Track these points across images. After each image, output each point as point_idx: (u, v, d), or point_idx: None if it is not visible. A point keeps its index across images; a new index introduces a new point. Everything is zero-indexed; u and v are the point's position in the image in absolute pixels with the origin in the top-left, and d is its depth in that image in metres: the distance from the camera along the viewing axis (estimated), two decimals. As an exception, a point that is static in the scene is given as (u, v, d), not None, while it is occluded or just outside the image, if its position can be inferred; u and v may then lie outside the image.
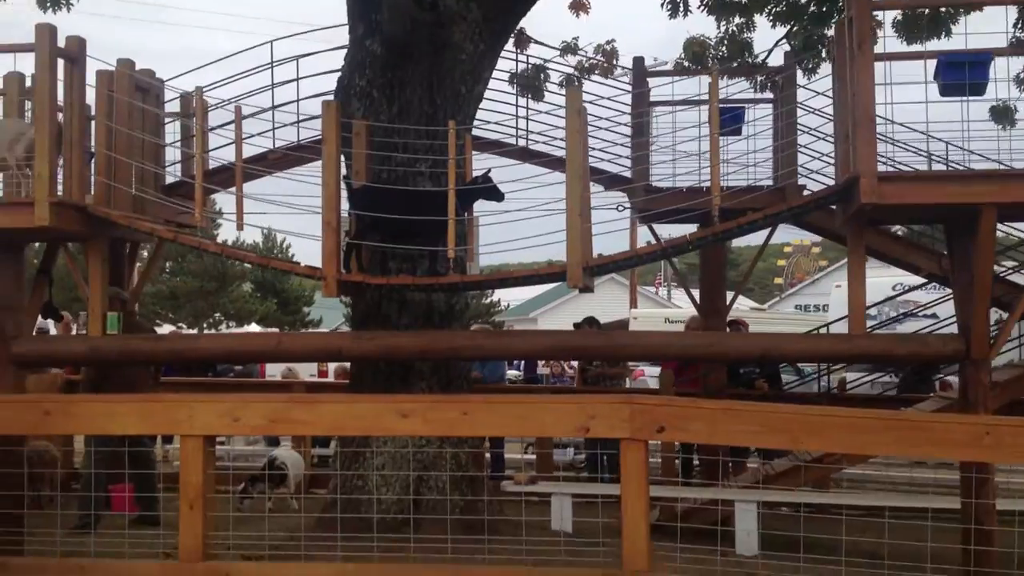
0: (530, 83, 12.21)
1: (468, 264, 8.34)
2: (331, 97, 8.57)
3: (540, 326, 46.86)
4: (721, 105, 10.72)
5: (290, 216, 8.65)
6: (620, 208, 10.68)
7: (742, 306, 45.13)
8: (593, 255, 7.45)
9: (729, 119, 9.54)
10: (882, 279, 20.78)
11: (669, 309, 38.87)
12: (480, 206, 8.20)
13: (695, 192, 9.03)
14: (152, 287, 49.08)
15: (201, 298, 47.34)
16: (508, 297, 48.21)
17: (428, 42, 8.05)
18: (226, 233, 43.35)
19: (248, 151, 10.61)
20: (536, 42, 12.05)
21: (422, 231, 7.68)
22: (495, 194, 7.80)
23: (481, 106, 9.20)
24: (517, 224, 7.88)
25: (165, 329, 50.81)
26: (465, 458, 8.02)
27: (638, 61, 9.98)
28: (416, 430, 6.60)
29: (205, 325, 48.74)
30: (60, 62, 7.48)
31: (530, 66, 11.99)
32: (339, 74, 8.65)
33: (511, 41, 12.18)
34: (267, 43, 10.42)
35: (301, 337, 7.76)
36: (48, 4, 10.49)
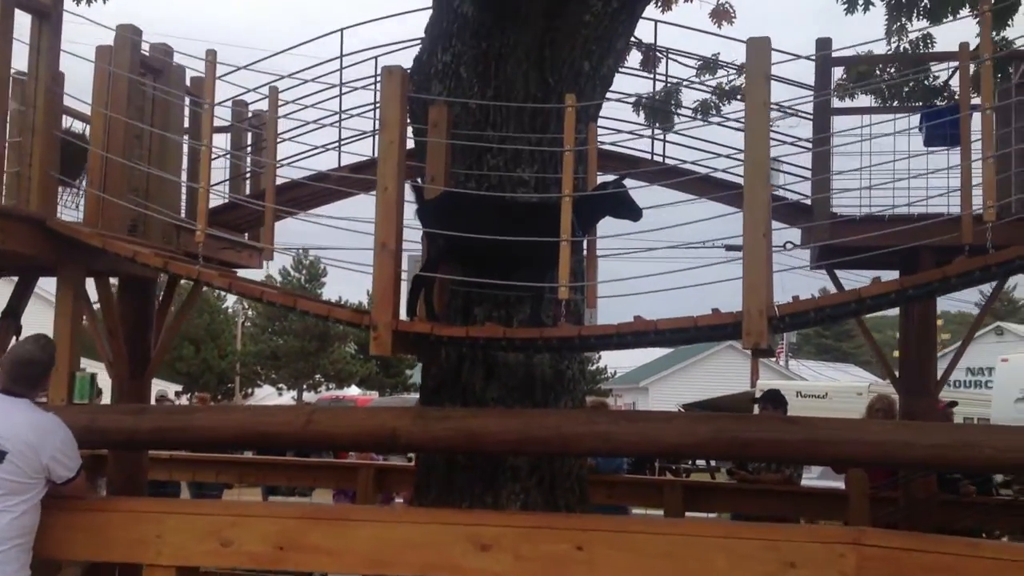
0: (660, 107, 9.89)
1: (588, 311, 5.82)
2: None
3: (652, 397, 43.71)
4: (935, 109, 8.13)
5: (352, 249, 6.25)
6: (788, 246, 8.07)
7: (861, 380, 41.58)
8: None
9: (950, 124, 6.92)
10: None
11: (796, 381, 35.48)
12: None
13: (901, 221, 6.37)
14: (254, 346, 48.24)
15: (302, 359, 46.03)
16: (615, 363, 45.36)
17: (539, -5, 5.68)
18: (332, 291, 41.94)
19: (309, 168, 8.54)
20: (665, 53, 9.75)
21: (524, 260, 5.23)
22: (629, 209, 5.31)
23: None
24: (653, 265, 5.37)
25: (265, 391, 50.21)
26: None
27: (823, 43, 7.36)
28: (503, 571, 4.08)
29: (305, 387, 47.48)
30: (24, 18, 5.33)
31: (663, 87, 9.74)
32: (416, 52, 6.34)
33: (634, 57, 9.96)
34: (336, 32, 8.24)
35: (341, 415, 5.34)
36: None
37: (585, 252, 5.57)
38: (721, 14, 10.29)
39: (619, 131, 7.96)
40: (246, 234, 8.84)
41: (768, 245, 4.74)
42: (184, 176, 7.88)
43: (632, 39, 10.07)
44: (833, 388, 28.66)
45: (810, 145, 7.57)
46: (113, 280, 8.31)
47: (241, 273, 10.00)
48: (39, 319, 6.66)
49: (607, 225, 5.64)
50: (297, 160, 8.07)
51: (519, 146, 5.61)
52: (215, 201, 8.65)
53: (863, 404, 24.00)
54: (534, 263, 5.22)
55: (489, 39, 5.79)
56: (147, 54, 6.32)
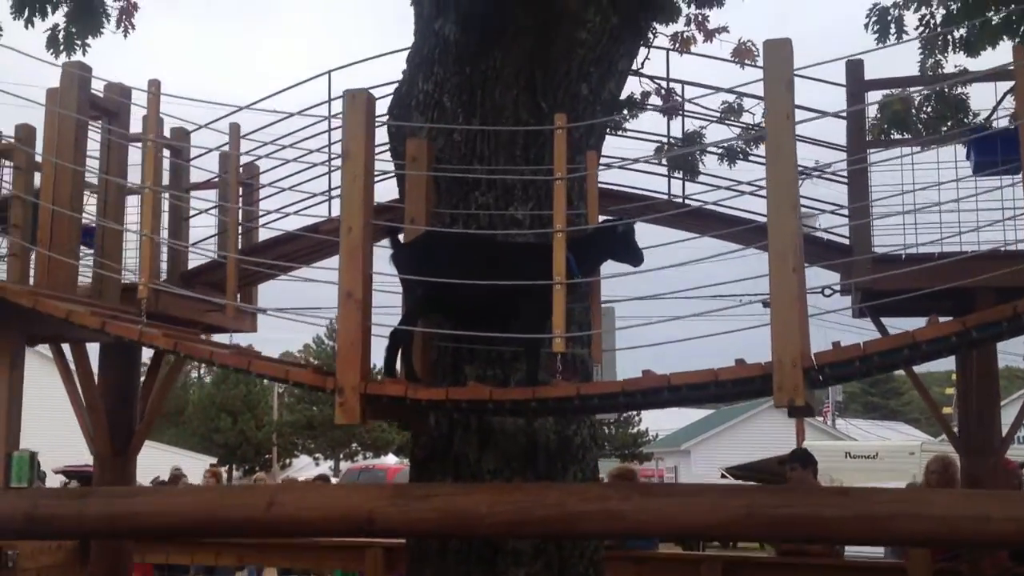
0: (681, 158, 9.19)
1: (594, 367, 5.06)
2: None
3: (694, 460, 42.33)
4: (984, 133, 7.35)
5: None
6: (827, 292, 7.27)
7: (912, 438, 39.95)
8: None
9: (1002, 147, 6.18)
10: None
11: (844, 441, 34.07)
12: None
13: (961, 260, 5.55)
14: (291, 416, 47.66)
15: (338, 428, 45.32)
16: (656, 425, 44.04)
17: (528, 11, 5.02)
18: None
19: (299, 221, 7.89)
20: (682, 95, 9.07)
21: (516, 309, 4.52)
22: (631, 251, 4.58)
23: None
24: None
25: (302, 461, 49.60)
26: None
27: (854, 67, 6.63)
28: None
29: (341, 456, 46.73)
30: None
31: (680, 137, 9.06)
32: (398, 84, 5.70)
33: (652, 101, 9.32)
34: (323, 75, 7.63)
35: (309, 496, 4.55)
36: (61, 48, 8.08)
37: (590, 296, 4.84)
38: (743, 52, 9.63)
39: (625, 167, 7.22)
40: (237, 295, 8.21)
41: (800, 282, 3.98)
42: (165, 234, 7.30)
43: (653, 84, 9.46)
44: (884, 448, 27.32)
45: (845, 177, 6.85)
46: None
47: (236, 338, 9.32)
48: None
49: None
50: (286, 212, 7.45)
51: (510, 175, 4.91)
52: (200, 260, 8.10)
53: (916, 464, 22.76)
54: (528, 312, 4.50)
55: (474, 63, 5.15)
56: (101, 95, 5.74)
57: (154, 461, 26.91)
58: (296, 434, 47.10)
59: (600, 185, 5.20)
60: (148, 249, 4.65)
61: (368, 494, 4.42)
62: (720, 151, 9.31)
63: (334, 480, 27.60)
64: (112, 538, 4.33)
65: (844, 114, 6.98)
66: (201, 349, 4.57)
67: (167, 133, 7.39)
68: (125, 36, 8.81)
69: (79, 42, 8.17)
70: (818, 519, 3.95)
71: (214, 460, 41.98)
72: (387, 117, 5.57)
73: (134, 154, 7.17)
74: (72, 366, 7.36)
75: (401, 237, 4.85)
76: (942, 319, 4.88)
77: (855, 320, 8.12)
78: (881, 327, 7.06)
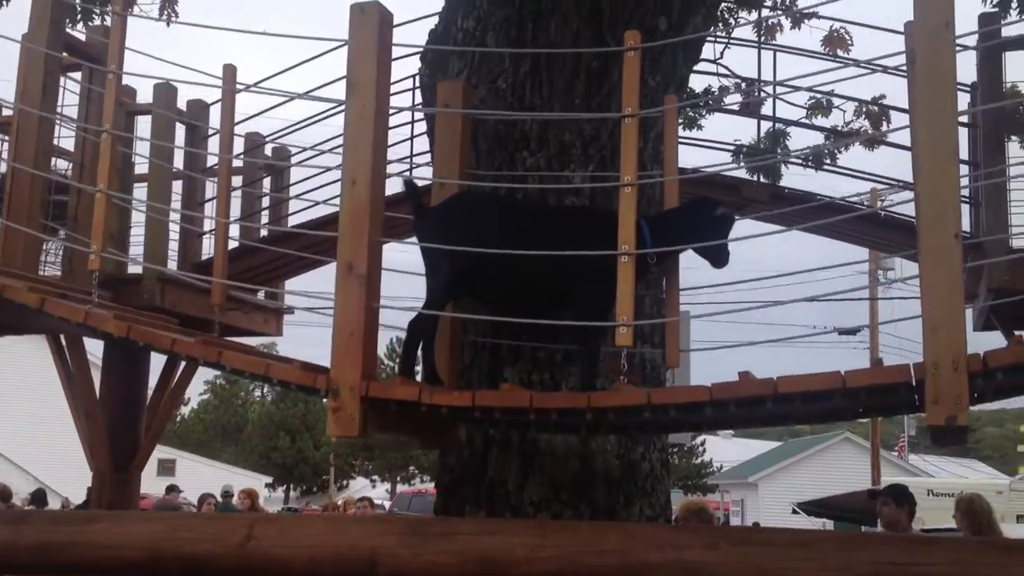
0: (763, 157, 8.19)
1: (667, 372, 3.97)
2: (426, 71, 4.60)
3: (761, 494, 40.49)
4: None
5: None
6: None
7: (986, 475, 37.56)
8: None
9: None
10: None
11: (923, 478, 32.14)
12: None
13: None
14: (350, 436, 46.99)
15: (395, 450, 44.58)
16: (720, 456, 42.37)
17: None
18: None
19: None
20: (774, 90, 8.02)
21: (570, 294, 3.48)
22: (719, 247, 3.50)
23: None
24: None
25: (359, 483, 48.98)
26: None
27: (988, 21, 5.47)
28: None
29: (399, 479, 45.98)
30: None
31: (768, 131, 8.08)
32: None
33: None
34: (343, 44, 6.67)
35: (294, 529, 3.49)
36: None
37: (667, 285, 3.76)
38: (835, 41, 8.54)
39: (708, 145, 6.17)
40: (262, 291, 7.29)
41: (960, 255, 2.88)
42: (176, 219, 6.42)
43: (732, 80, 8.47)
44: (969, 486, 25.62)
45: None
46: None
47: (258, 342, 8.41)
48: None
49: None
50: (311, 194, 6.51)
51: (568, 151, 3.87)
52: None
53: (1005, 504, 21.05)
54: (586, 295, 3.45)
55: (525, -7, 4.13)
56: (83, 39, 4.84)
57: (209, 480, 26.30)
58: (354, 455, 46.45)
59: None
60: (101, 211, 3.68)
61: (372, 529, 3.38)
62: (806, 153, 8.34)
63: (387, 505, 26.60)
64: (47, 574, 3.45)
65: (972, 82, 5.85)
66: (161, 336, 3.59)
67: (182, 106, 6.54)
68: (168, 24, 7.88)
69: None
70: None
71: (270, 479, 41.40)
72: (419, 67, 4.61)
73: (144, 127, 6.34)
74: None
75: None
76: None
77: (975, 334, 6.94)
78: (1012, 337, 5.87)
